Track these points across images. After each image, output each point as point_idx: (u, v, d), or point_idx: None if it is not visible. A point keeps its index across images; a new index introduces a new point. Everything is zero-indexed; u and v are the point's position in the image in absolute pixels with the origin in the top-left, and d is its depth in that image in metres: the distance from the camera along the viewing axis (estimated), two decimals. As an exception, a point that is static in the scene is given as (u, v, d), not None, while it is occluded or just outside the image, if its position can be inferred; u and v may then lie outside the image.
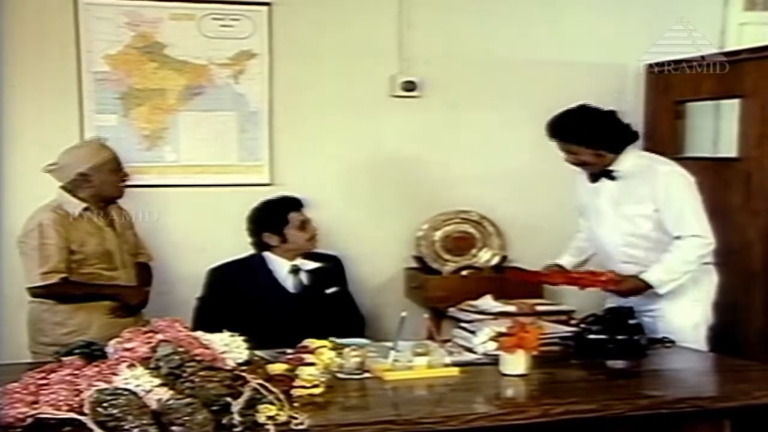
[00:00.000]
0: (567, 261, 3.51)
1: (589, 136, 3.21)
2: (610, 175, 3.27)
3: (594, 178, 3.33)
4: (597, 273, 3.31)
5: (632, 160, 3.26)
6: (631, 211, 3.26)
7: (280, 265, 3.52)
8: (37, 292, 3.33)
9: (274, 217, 3.53)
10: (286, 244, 3.50)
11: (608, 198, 3.31)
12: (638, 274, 3.19)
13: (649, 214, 3.22)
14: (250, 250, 3.58)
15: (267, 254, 3.53)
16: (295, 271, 3.52)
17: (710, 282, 3.33)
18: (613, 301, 3.25)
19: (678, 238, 3.18)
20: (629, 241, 3.29)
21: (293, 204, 3.56)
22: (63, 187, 3.39)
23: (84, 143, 3.49)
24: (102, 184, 3.38)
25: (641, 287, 3.19)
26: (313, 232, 3.55)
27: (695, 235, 3.17)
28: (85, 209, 3.38)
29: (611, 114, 3.27)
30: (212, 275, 3.57)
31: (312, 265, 3.54)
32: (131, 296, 3.42)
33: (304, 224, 3.52)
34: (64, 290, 3.32)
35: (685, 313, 3.26)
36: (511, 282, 3.56)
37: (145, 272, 3.62)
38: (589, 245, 3.53)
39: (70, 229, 3.32)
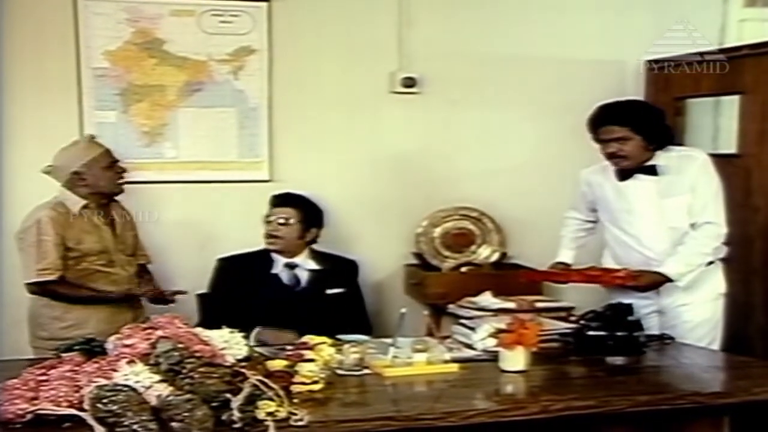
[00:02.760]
0: (569, 256, 3.51)
1: (647, 125, 3.21)
2: (651, 171, 3.25)
3: (623, 176, 3.30)
4: (611, 270, 3.32)
5: (664, 155, 3.26)
6: (674, 204, 3.24)
7: (277, 260, 3.53)
8: (33, 289, 3.35)
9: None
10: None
11: (647, 194, 3.27)
12: (654, 269, 3.21)
13: (691, 203, 3.24)
14: (252, 246, 3.58)
15: None
16: (291, 266, 3.53)
17: (725, 278, 3.36)
18: (639, 297, 3.24)
19: (693, 225, 3.21)
20: (673, 235, 3.26)
21: (275, 199, 3.59)
22: (64, 185, 3.41)
23: (74, 142, 3.51)
24: (96, 180, 3.39)
25: (660, 280, 3.20)
26: (272, 232, 3.52)
27: (709, 221, 3.19)
28: (85, 207, 3.39)
29: (664, 112, 3.35)
30: (220, 265, 3.58)
31: (312, 264, 3.54)
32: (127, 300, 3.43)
33: (269, 221, 3.54)
34: (60, 289, 3.33)
35: (710, 309, 3.30)
36: (522, 283, 3.54)
37: (147, 274, 3.64)
38: (584, 235, 3.56)
39: (67, 226, 3.33)
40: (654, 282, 3.20)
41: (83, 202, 3.39)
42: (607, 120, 3.23)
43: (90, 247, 3.37)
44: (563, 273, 3.44)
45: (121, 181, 3.48)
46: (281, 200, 3.58)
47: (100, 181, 3.41)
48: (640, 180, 3.27)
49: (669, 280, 3.19)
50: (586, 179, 3.48)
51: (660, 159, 3.26)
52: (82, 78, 3.89)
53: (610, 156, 3.27)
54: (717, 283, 3.34)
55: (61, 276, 3.32)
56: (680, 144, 3.77)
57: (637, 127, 3.19)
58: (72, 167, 3.38)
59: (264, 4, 4.06)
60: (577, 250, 3.54)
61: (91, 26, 3.88)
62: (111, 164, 3.45)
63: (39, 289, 3.33)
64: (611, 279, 3.25)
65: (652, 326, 3.25)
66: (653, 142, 3.23)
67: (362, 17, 4.19)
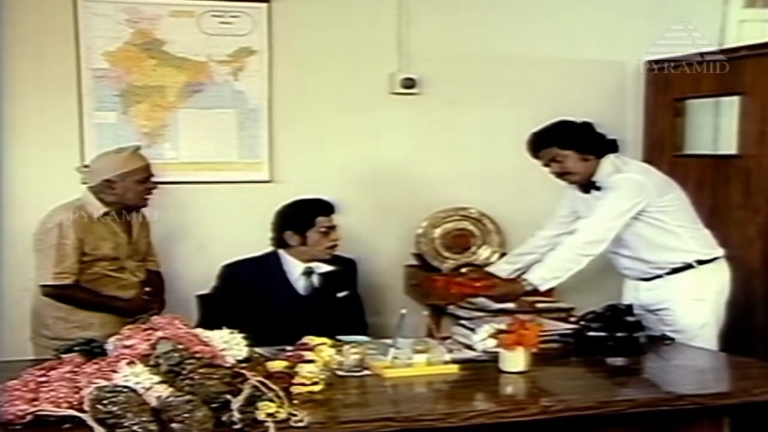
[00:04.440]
0: (500, 268, 3.54)
1: (575, 138, 3.29)
2: (595, 186, 3.31)
3: (584, 189, 3.36)
4: (478, 279, 3.42)
5: (608, 167, 3.29)
6: None
7: (293, 266, 3.47)
8: (48, 292, 3.33)
9: (301, 217, 3.46)
10: (305, 246, 3.45)
11: (591, 207, 3.32)
12: (521, 277, 3.26)
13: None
14: (251, 248, 3.56)
15: (282, 253, 3.49)
16: (308, 273, 3.47)
17: (718, 281, 3.35)
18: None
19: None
20: (623, 244, 3.30)
21: (324, 208, 3.49)
22: (90, 188, 3.40)
23: (118, 150, 3.46)
24: (125, 192, 3.37)
25: (514, 291, 3.23)
26: (335, 241, 3.49)
27: (582, 231, 3.21)
28: (105, 213, 3.38)
29: (589, 123, 3.36)
30: (224, 271, 3.53)
31: (326, 268, 3.49)
32: (137, 311, 3.40)
33: (329, 231, 3.47)
34: (75, 294, 3.33)
35: (691, 313, 3.27)
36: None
37: (158, 280, 3.63)
38: (541, 252, 3.50)
39: (87, 231, 3.33)
40: (507, 293, 3.25)
41: (105, 209, 3.37)
42: (534, 147, 3.37)
43: (105, 253, 3.37)
44: (456, 282, 3.52)
45: (148, 196, 3.46)
46: (331, 207, 3.51)
47: (129, 194, 3.38)
48: (593, 194, 3.33)
49: (534, 288, 3.20)
50: (568, 194, 3.51)
51: (602, 171, 3.29)
52: (82, 79, 3.89)
53: (557, 176, 3.36)
54: (697, 286, 3.31)
55: (76, 280, 3.32)
56: (678, 146, 3.77)
57: (562, 143, 3.29)
58: (105, 175, 3.35)
59: (264, 5, 4.06)
60: (517, 264, 3.52)
61: (91, 27, 3.88)
62: (145, 179, 3.42)
63: (54, 291, 3.32)
64: (473, 288, 3.34)
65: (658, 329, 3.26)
66: (587, 152, 3.29)
67: (362, 18, 4.19)
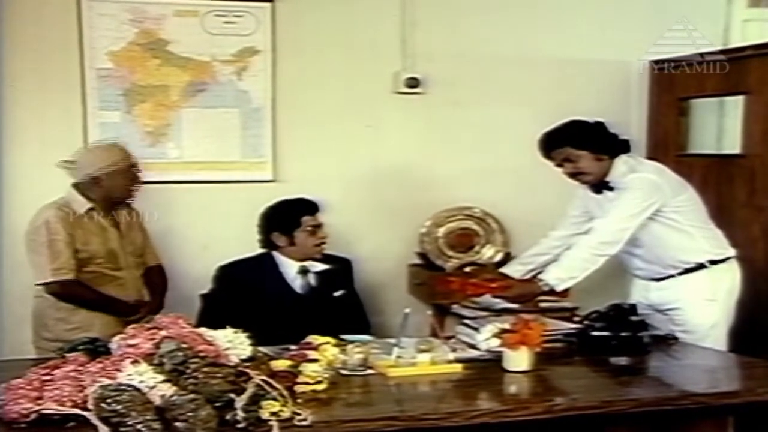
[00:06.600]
0: (514, 270, 3.53)
1: (589, 138, 3.26)
2: (608, 186, 3.29)
3: (596, 189, 3.34)
4: (493, 280, 3.40)
5: (622, 167, 3.28)
6: None
7: (289, 266, 3.48)
8: (52, 289, 3.33)
9: (286, 218, 3.48)
10: (293, 246, 3.47)
11: (606, 207, 3.31)
12: (536, 277, 3.25)
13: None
14: (254, 247, 3.57)
15: (276, 254, 3.51)
16: (304, 272, 3.49)
17: (730, 280, 3.35)
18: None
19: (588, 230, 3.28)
20: (637, 244, 3.29)
21: (309, 207, 3.51)
22: (75, 185, 3.40)
23: (100, 145, 3.49)
24: (112, 187, 3.38)
25: (531, 292, 3.23)
26: (323, 239, 3.50)
27: (597, 230, 3.21)
28: (91, 209, 3.38)
29: (602, 123, 3.34)
30: (220, 272, 3.54)
31: (320, 266, 3.51)
32: (136, 312, 3.40)
33: (316, 230, 3.48)
34: (76, 290, 3.33)
35: (701, 312, 3.27)
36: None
37: (158, 277, 3.63)
38: (554, 252, 3.49)
39: (74, 227, 3.33)
40: (523, 294, 3.25)
41: (89, 204, 3.38)
42: (547, 147, 3.32)
43: (96, 249, 3.37)
44: (468, 283, 3.48)
45: (134, 190, 3.46)
46: (315, 206, 3.53)
47: (115, 189, 3.39)
48: (606, 195, 3.32)
49: (551, 288, 3.19)
50: (581, 194, 3.50)
51: (616, 171, 3.27)
52: (86, 78, 3.89)
53: (571, 177, 3.33)
54: (709, 286, 3.31)
55: (76, 277, 3.32)
56: (682, 145, 3.76)
57: (576, 143, 3.25)
58: (90, 170, 3.35)
59: (268, 4, 4.06)
60: (529, 266, 3.51)
61: (95, 27, 3.88)
62: (130, 174, 3.42)
63: (57, 288, 3.32)
64: (489, 289, 3.31)
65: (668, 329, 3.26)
66: (601, 152, 3.26)
67: (366, 18, 4.20)
